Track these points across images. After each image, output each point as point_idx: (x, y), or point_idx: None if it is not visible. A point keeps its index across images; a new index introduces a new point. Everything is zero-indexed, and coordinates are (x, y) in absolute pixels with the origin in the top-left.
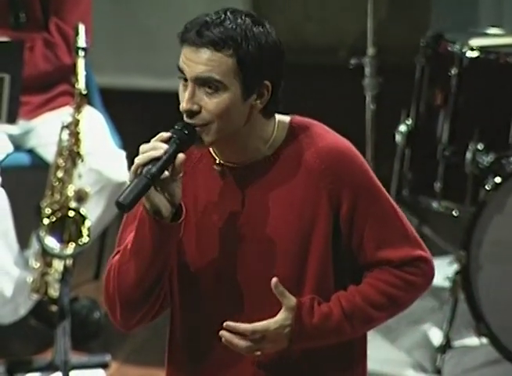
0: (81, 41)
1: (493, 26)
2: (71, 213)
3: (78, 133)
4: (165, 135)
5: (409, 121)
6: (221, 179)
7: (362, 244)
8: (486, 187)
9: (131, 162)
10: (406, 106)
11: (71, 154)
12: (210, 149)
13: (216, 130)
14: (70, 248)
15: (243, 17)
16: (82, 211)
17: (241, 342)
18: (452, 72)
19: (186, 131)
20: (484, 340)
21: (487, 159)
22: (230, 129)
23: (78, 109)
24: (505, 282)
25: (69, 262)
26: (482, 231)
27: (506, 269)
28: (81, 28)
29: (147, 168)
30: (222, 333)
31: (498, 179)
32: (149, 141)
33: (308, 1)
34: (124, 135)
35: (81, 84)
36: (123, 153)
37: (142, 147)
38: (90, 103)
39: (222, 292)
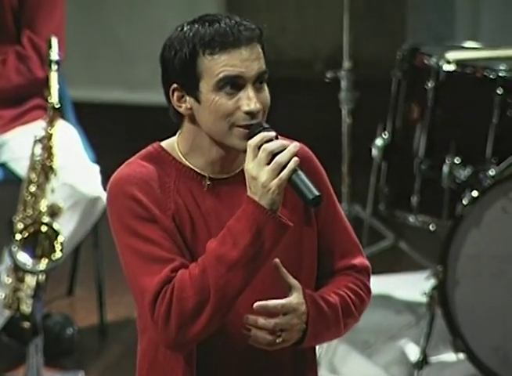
0: (54, 54)
1: (470, 39)
2: (44, 228)
3: (51, 147)
4: (271, 135)
5: (386, 135)
6: (211, 194)
7: (329, 249)
8: (463, 201)
9: (104, 176)
10: (383, 119)
11: (44, 169)
12: (188, 164)
13: None
14: (43, 264)
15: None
16: (55, 226)
17: (271, 320)
18: (429, 85)
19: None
20: (462, 356)
21: (464, 173)
22: None
23: (51, 123)
24: (482, 297)
25: (41, 277)
26: (459, 246)
27: (484, 284)
28: (54, 41)
29: (295, 163)
30: (248, 316)
31: (475, 193)
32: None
33: (284, 13)
34: (97, 149)
35: (53, 98)
36: (96, 168)
37: (272, 145)
38: (63, 117)
39: None
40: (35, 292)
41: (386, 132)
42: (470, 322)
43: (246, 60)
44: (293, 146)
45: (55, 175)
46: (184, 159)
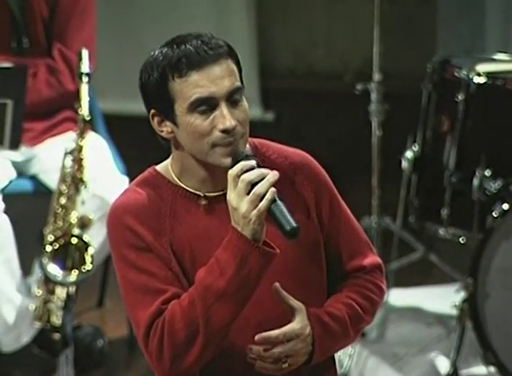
0: (85, 67)
1: (500, 51)
2: (74, 240)
3: (81, 159)
4: (251, 164)
5: (416, 147)
6: (206, 211)
7: (337, 252)
8: (493, 214)
9: None
10: (413, 132)
11: (74, 181)
12: (183, 186)
13: (245, 143)
14: (73, 275)
15: (204, 33)
16: (85, 237)
17: (274, 350)
18: (459, 98)
19: (246, 154)
20: (492, 369)
21: (494, 185)
22: (247, 142)
23: (81, 135)
24: None
25: (72, 289)
26: (489, 258)
27: None
28: (85, 54)
29: (272, 194)
30: (252, 347)
31: (505, 206)
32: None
33: (313, 26)
34: (127, 161)
35: (84, 110)
36: (126, 179)
37: (250, 175)
38: (93, 129)
39: None
40: (65, 304)
41: (416, 145)
42: (500, 335)
43: (216, 79)
44: (272, 175)
45: (86, 187)
46: (178, 181)
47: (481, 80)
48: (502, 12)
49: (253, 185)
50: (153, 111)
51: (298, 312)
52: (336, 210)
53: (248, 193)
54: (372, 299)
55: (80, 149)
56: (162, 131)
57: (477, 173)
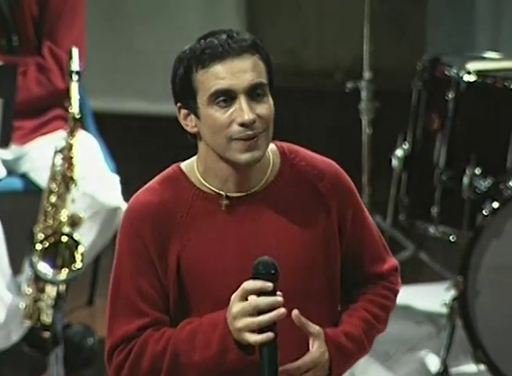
0: (75, 65)
1: (490, 50)
2: (64, 238)
3: (72, 158)
4: (267, 286)
5: (406, 146)
6: (228, 212)
7: (357, 261)
8: (484, 212)
9: (124, 186)
10: (403, 130)
11: (64, 179)
12: (207, 185)
13: (266, 141)
14: (64, 274)
15: (235, 30)
16: (75, 236)
17: None
18: (449, 96)
19: (273, 272)
20: (482, 367)
21: (484, 184)
22: (269, 141)
23: (72, 133)
24: (503, 308)
25: (62, 287)
26: (480, 256)
27: (504, 295)
28: (75, 52)
29: (274, 329)
30: None
31: (495, 204)
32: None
33: (304, 24)
34: (117, 160)
35: (74, 109)
36: (116, 178)
37: (262, 301)
38: (83, 127)
39: None
40: (56, 302)
41: (406, 143)
42: (490, 333)
43: (237, 72)
44: (280, 312)
45: (76, 185)
46: (202, 179)
47: (471, 78)
48: (491, 11)
49: (258, 312)
50: (179, 105)
51: (316, 338)
52: (359, 220)
53: (251, 315)
54: (387, 307)
55: (70, 147)
56: (187, 125)
57: (467, 171)
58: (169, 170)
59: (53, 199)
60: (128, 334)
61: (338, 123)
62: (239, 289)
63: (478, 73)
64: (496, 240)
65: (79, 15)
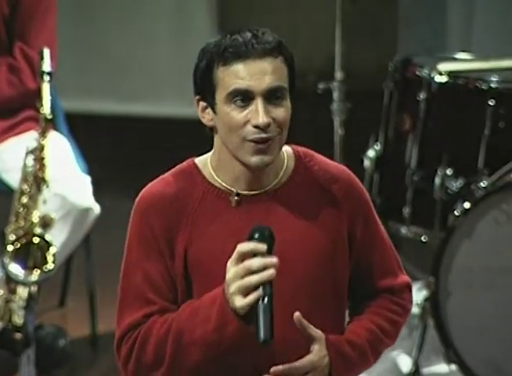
0: (46, 66)
1: (462, 50)
2: (36, 239)
3: (43, 158)
4: (262, 249)
5: (378, 146)
6: (238, 210)
7: (368, 271)
8: (455, 213)
9: (95, 187)
10: (375, 131)
11: (36, 180)
12: (219, 181)
13: (279, 145)
14: (35, 275)
15: (262, 29)
16: (47, 237)
17: None
18: (421, 97)
19: (267, 234)
20: (454, 367)
21: (456, 184)
22: (282, 145)
23: (43, 134)
24: (474, 308)
25: (33, 288)
26: (451, 257)
27: (476, 296)
28: (46, 52)
29: (263, 291)
30: None
31: (467, 205)
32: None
33: (276, 25)
34: (89, 160)
35: (45, 109)
36: (88, 178)
37: (253, 262)
38: (55, 128)
39: None
40: (27, 303)
41: (378, 143)
42: (462, 333)
43: (257, 73)
44: (269, 273)
45: (47, 186)
46: (214, 175)
47: (443, 79)
48: (463, 11)
49: (252, 272)
50: (198, 97)
51: (317, 342)
52: (371, 228)
53: (243, 277)
54: (396, 322)
55: (41, 148)
56: (204, 118)
57: (438, 172)
58: (183, 164)
59: (25, 200)
60: (135, 321)
61: (310, 123)
62: (234, 253)
63: (450, 74)
64: (468, 241)
65: (51, 15)
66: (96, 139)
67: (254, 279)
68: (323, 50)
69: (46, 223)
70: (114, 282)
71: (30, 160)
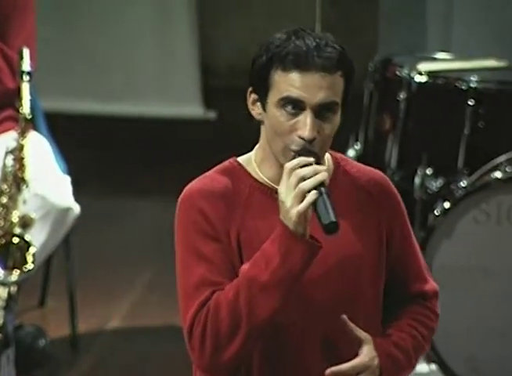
0: (26, 65)
1: (442, 50)
2: (16, 239)
3: (23, 158)
4: (308, 160)
5: (358, 146)
6: None
7: (403, 275)
8: (435, 212)
9: (75, 187)
10: (355, 130)
11: (16, 180)
12: (264, 178)
13: (322, 154)
14: (15, 275)
15: (326, 36)
16: (27, 237)
17: None
18: (401, 97)
19: (314, 151)
20: (434, 366)
21: (436, 184)
22: (324, 154)
23: (23, 134)
24: (454, 308)
25: (13, 288)
26: (431, 256)
27: (455, 295)
28: (26, 52)
29: (320, 189)
30: None
31: (447, 204)
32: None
33: (255, 24)
34: (68, 160)
35: (25, 109)
36: (67, 179)
37: (303, 170)
38: (35, 128)
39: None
40: (7, 303)
41: (358, 143)
42: (442, 333)
43: (312, 87)
44: (322, 174)
45: (27, 186)
46: (259, 171)
47: (423, 79)
48: (443, 11)
49: (304, 180)
50: (251, 88)
51: (366, 344)
52: (406, 233)
53: (295, 188)
54: (431, 328)
55: (21, 148)
56: (253, 110)
57: (418, 172)
58: (225, 163)
59: (4, 200)
60: (203, 300)
61: None
62: (283, 173)
63: (430, 73)
64: (447, 241)
65: (30, 15)
66: (76, 139)
67: (307, 183)
68: None
69: (26, 223)
70: (94, 282)
71: (9, 160)
